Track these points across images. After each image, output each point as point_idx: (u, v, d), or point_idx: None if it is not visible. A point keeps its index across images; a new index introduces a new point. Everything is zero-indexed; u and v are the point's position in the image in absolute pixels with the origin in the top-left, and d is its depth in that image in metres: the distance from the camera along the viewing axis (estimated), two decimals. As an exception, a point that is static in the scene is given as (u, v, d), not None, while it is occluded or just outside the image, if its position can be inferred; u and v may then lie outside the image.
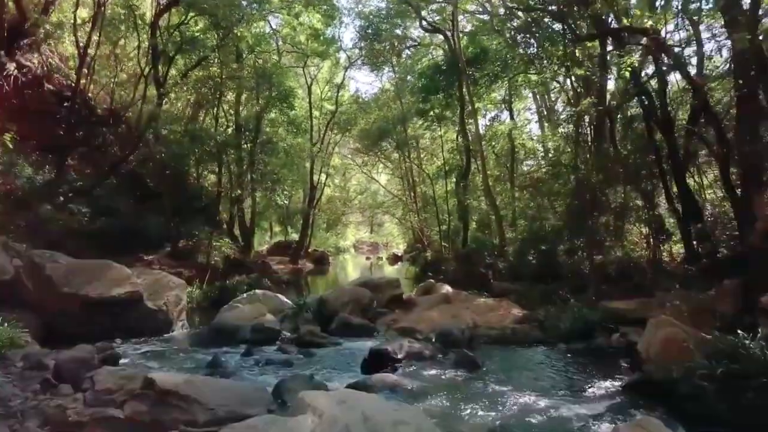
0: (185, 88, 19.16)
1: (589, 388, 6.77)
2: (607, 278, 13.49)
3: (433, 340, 9.47)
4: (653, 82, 15.10)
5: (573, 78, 16.06)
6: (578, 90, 19.55)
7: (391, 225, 59.65)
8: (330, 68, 35.62)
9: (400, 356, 7.88)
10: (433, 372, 7.63)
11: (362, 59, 33.14)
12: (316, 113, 32.62)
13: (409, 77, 33.28)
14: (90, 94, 22.18)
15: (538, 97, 37.21)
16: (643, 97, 14.89)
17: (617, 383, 6.87)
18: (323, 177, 35.31)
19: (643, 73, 15.72)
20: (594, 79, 15.22)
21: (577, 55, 14.84)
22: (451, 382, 7.13)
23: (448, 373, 7.57)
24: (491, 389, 6.75)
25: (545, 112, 35.76)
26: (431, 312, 12.06)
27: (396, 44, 32.44)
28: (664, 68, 13.50)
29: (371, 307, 12.26)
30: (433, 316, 11.60)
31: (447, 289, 14.84)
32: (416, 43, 35.01)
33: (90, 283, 11.49)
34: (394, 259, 42.30)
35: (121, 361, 8.82)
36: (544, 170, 22.53)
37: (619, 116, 18.39)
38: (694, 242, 13.79)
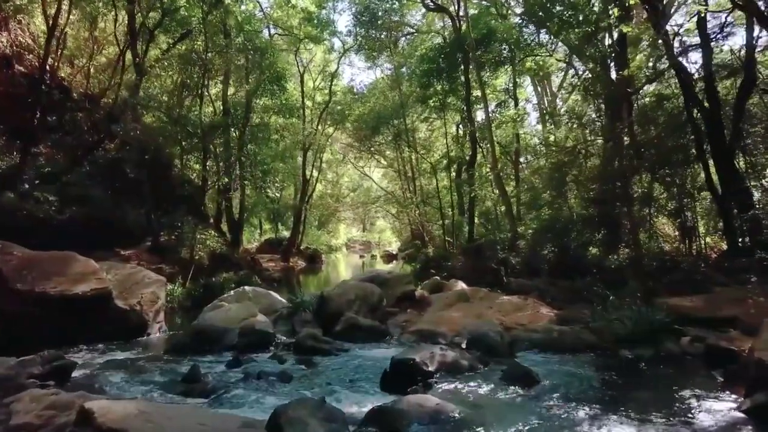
0: (166, 64, 17.23)
1: (696, 411, 5.04)
2: (645, 273, 11.83)
3: (464, 345, 7.73)
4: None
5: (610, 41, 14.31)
6: (596, 68, 18.09)
7: (384, 223, 58.22)
8: (323, 56, 33.88)
9: (431, 368, 6.09)
10: (479, 390, 5.84)
11: (357, 46, 31.43)
12: (308, 103, 30.85)
13: (404, 69, 31.60)
14: (62, 75, 20.31)
15: (539, 88, 36.02)
16: (680, 71, 13.31)
17: (728, 404, 5.18)
18: (315, 173, 33.66)
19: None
20: (646, 37, 13.56)
21: (614, 14, 13.17)
22: (507, 406, 5.35)
23: (498, 391, 5.79)
24: (566, 416, 4.99)
25: (546, 104, 34.50)
26: (450, 312, 10.33)
27: (392, 31, 30.90)
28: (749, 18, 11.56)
29: (380, 305, 10.45)
30: (454, 316, 9.86)
31: (461, 285, 13.13)
32: (414, 31, 33.51)
33: (49, 278, 9.75)
34: (389, 257, 40.54)
35: (75, 374, 7.02)
36: (554, 159, 21.09)
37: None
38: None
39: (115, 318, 10.27)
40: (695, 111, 13.10)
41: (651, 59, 16.44)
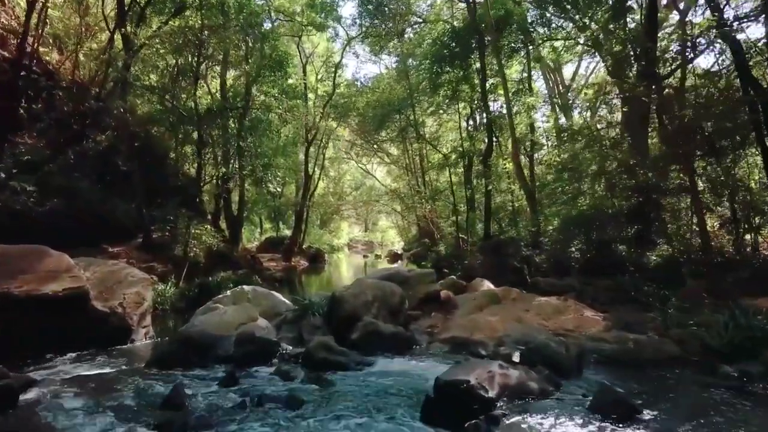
0: (158, 41, 15.68)
1: None
2: (702, 271, 10.35)
3: (515, 358, 6.20)
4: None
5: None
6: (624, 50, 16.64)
7: (387, 222, 56.83)
8: (327, 45, 32.43)
9: (492, 394, 4.50)
10: (565, 429, 4.30)
11: (363, 35, 30.04)
12: (311, 95, 29.37)
13: (411, 61, 30.16)
14: (48, 59, 18.85)
15: (551, 82, 34.81)
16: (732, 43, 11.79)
17: None
18: (317, 171, 32.23)
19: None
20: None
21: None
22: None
23: (591, 429, 4.25)
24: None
25: (558, 97, 33.25)
26: (483, 315, 8.82)
27: (399, 17, 29.48)
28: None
29: (402, 308, 8.88)
30: (491, 321, 8.35)
31: (488, 285, 11.62)
32: (421, 20, 32.11)
33: (14, 276, 8.29)
34: (393, 257, 39.00)
35: (28, 395, 5.56)
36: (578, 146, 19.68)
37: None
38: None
39: (92, 322, 8.94)
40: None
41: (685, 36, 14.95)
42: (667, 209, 13.63)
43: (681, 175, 13.09)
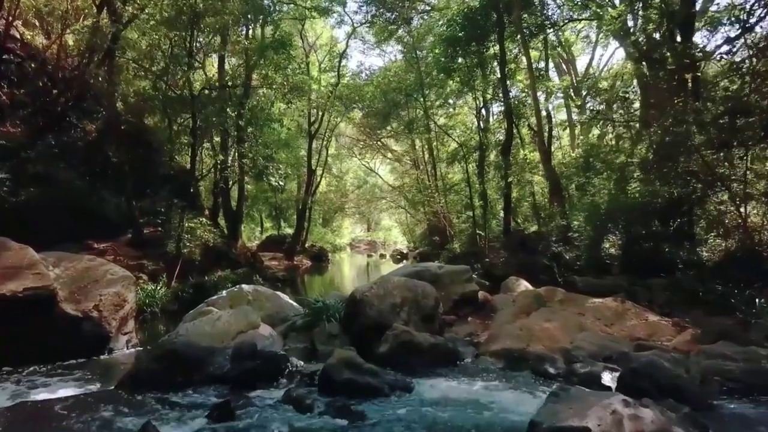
0: (147, 12, 14.06)
1: None
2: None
3: (607, 381, 4.61)
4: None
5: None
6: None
7: (390, 221, 55.32)
8: (331, 33, 30.94)
9: None
10: None
11: (368, 24, 28.55)
12: (314, 86, 27.82)
13: (419, 53, 28.64)
14: (29, 37, 17.34)
15: (564, 73, 33.52)
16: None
17: None
18: (319, 169, 30.70)
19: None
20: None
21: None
22: None
23: None
24: None
25: (572, 90, 31.88)
26: (536, 321, 7.23)
27: (407, 5, 27.97)
28: None
29: (436, 312, 7.24)
30: (547, 328, 6.77)
31: (525, 285, 10.08)
32: (429, 8, 30.63)
33: (-34, 273, 6.94)
34: (400, 256, 37.44)
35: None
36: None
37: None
38: None
39: (60, 329, 7.52)
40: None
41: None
42: (713, 201, 12.08)
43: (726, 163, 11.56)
